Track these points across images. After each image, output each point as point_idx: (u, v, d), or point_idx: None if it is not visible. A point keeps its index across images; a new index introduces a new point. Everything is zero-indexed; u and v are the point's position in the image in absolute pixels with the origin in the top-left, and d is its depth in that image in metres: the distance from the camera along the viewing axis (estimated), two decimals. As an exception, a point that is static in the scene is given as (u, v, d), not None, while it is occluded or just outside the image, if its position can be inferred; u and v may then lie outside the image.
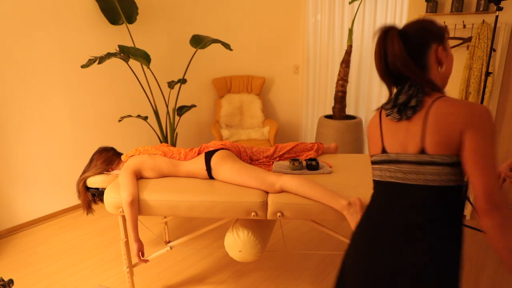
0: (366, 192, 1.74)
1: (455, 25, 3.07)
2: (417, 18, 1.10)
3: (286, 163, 2.09)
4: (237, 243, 1.82)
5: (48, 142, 3.03)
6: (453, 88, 3.24)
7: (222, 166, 1.90)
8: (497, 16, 2.34)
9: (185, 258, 2.55)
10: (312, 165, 2.01)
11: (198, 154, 2.01)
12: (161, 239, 2.81)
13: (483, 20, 2.85)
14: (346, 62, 3.42)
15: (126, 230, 1.99)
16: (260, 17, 4.18)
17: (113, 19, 3.17)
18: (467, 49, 3.06)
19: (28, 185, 2.97)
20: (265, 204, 1.77)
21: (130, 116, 3.10)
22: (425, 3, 3.18)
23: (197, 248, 2.67)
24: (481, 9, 2.89)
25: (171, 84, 3.16)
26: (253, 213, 1.77)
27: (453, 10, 3.01)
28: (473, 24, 2.96)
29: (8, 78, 2.74)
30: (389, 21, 3.47)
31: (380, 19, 3.52)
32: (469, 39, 2.99)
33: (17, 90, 2.80)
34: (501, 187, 1.10)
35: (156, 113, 3.17)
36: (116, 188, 1.89)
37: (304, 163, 2.09)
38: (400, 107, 1.09)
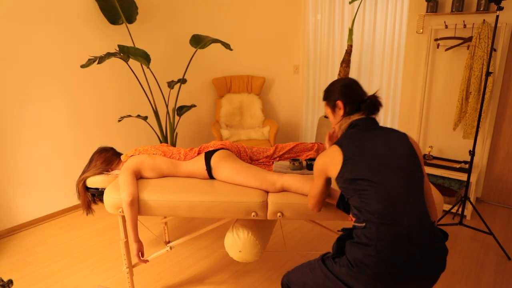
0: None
1: (456, 25, 3.07)
2: None
3: (286, 163, 2.09)
4: (237, 243, 1.81)
5: (48, 142, 3.03)
6: (453, 88, 3.23)
7: (222, 165, 1.90)
8: (497, 16, 2.34)
9: (185, 258, 2.54)
10: (312, 165, 2.00)
11: (198, 154, 2.00)
12: (161, 239, 2.81)
13: (484, 20, 2.84)
14: (346, 62, 3.42)
15: (126, 230, 1.99)
16: (260, 17, 4.18)
17: (113, 19, 3.17)
18: (468, 49, 3.06)
19: (28, 185, 2.97)
20: (265, 204, 1.76)
21: (129, 116, 3.10)
22: (425, 3, 3.18)
23: (197, 248, 2.66)
24: (481, 9, 2.89)
25: (171, 84, 3.15)
26: (253, 213, 1.77)
27: (454, 10, 3.00)
28: (473, 23, 2.96)
29: (8, 78, 2.73)
30: (389, 21, 3.46)
31: (380, 19, 3.52)
32: (469, 39, 2.99)
33: (17, 90, 2.79)
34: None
35: (156, 113, 3.17)
36: (116, 188, 1.88)
37: (304, 163, 2.08)
38: None
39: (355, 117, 1.44)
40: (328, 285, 1.29)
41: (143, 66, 3.55)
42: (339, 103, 1.48)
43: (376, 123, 1.43)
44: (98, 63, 2.52)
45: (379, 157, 1.29)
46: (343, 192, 1.35)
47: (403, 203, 1.22)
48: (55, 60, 2.96)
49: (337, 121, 1.51)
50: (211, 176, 1.96)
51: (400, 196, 1.23)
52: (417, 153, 1.35)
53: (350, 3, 3.30)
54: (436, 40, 3.16)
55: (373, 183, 1.25)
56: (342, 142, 1.36)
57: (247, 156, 2.12)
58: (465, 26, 3.00)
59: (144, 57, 2.74)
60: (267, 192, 1.81)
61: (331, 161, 1.36)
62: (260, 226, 1.92)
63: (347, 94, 1.47)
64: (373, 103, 1.43)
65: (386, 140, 1.34)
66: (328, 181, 1.45)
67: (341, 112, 1.48)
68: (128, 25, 3.39)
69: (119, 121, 3.12)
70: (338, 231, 1.40)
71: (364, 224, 1.23)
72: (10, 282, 1.86)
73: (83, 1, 3.04)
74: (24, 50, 2.78)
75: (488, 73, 2.43)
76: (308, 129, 4.39)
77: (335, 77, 3.97)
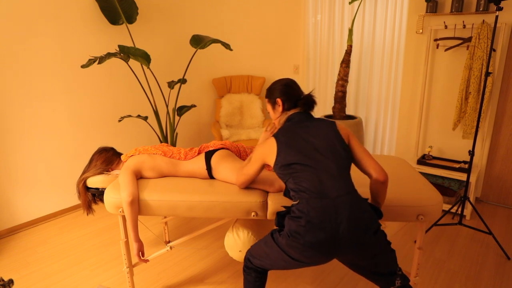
0: (366, 192, 1.74)
1: (455, 25, 3.07)
2: None
3: (286, 163, 2.09)
4: (237, 243, 1.82)
5: (48, 142, 3.03)
6: (453, 88, 3.24)
7: (223, 165, 1.90)
8: (497, 16, 2.34)
9: (185, 258, 2.55)
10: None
11: (198, 153, 2.01)
12: (161, 239, 2.81)
13: (483, 20, 2.85)
14: (346, 62, 3.42)
15: (126, 230, 1.99)
16: (260, 17, 4.18)
17: (113, 19, 3.17)
18: (467, 49, 3.06)
19: (28, 185, 2.97)
20: (265, 204, 1.77)
21: (130, 116, 3.10)
22: (425, 3, 3.18)
23: (197, 248, 2.67)
24: (481, 9, 2.89)
25: (171, 84, 3.16)
26: (253, 213, 1.77)
27: (453, 10, 3.01)
28: (473, 24, 2.96)
29: (8, 78, 2.74)
30: (389, 21, 3.47)
31: (380, 19, 3.52)
32: (469, 39, 2.99)
33: (17, 90, 2.80)
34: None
35: (156, 113, 3.17)
36: (116, 188, 1.89)
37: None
38: None
39: (292, 112, 1.62)
40: (276, 255, 1.46)
41: (143, 66, 3.56)
42: (279, 101, 1.64)
43: (309, 116, 1.60)
44: (99, 63, 2.52)
45: (308, 143, 1.47)
46: (280, 178, 1.51)
47: (330, 178, 1.40)
48: (56, 60, 2.97)
49: (277, 117, 1.68)
50: (211, 176, 1.97)
51: (327, 173, 1.41)
52: (342, 136, 1.53)
53: (350, 3, 3.30)
54: (435, 40, 3.17)
55: (303, 165, 1.42)
56: (278, 134, 1.54)
57: (247, 156, 2.12)
58: (464, 26, 3.00)
59: (144, 57, 2.75)
60: (267, 192, 1.82)
61: (268, 151, 1.53)
62: (260, 226, 1.92)
63: (286, 92, 1.63)
64: (308, 101, 1.61)
65: (315, 128, 1.52)
66: (263, 166, 1.63)
67: (280, 108, 1.65)
68: (128, 25, 3.39)
69: (119, 121, 3.12)
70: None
71: (298, 201, 1.40)
72: (11, 281, 1.87)
73: (83, 1, 3.05)
74: (24, 50, 2.78)
75: (487, 73, 2.44)
76: (308, 129, 4.38)
77: (335, 77, 3.98)
